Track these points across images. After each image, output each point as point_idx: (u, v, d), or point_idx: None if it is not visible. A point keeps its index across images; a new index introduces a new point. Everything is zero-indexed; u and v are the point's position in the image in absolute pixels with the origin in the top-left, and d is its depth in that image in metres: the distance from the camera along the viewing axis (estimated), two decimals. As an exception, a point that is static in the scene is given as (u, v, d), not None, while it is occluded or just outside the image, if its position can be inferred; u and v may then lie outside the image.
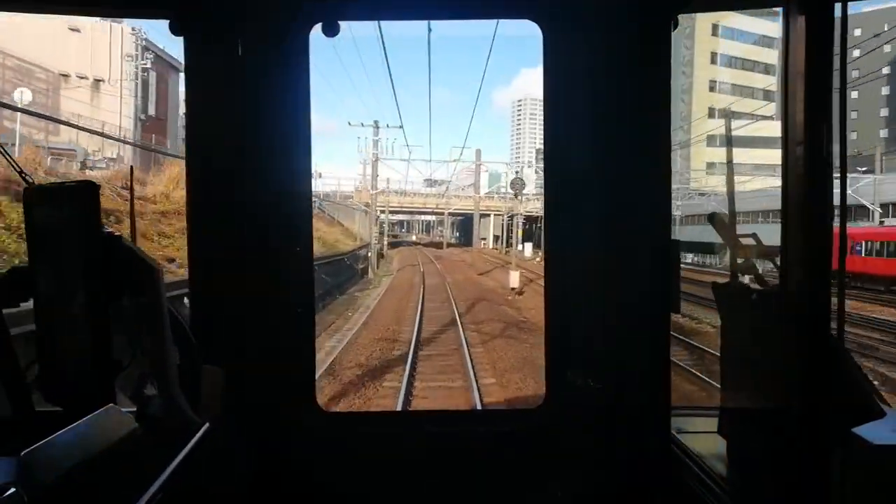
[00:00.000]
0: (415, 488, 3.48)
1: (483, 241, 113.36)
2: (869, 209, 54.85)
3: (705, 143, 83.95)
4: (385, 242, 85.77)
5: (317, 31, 3.42)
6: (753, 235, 2.89)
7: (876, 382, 15.63)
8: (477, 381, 17.04)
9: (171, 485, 2.20)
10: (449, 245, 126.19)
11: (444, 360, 20.19)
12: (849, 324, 19.18)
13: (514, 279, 39.17)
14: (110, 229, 2.28)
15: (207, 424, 2.59)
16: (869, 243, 41.89)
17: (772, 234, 2.59)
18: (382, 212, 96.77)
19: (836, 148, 2.23)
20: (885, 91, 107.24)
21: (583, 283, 3.48)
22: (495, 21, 3.94)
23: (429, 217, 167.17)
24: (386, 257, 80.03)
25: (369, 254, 58.07)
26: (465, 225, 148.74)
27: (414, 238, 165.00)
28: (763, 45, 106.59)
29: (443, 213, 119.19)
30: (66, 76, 63.09)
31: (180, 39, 3.29)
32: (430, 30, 26.23)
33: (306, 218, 3.55)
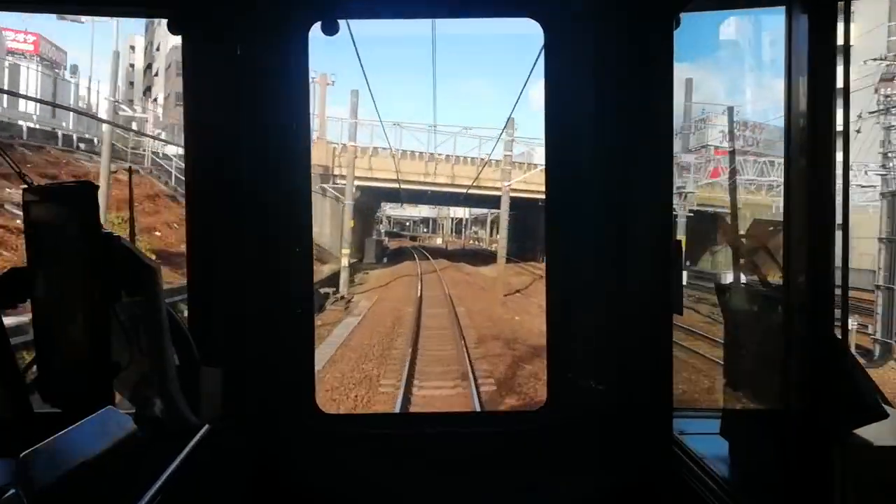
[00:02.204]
0: (415, 490, 3.47)
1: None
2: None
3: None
4: (344, 264, 36.55)
5: (315, 30, 3.43)
6: (754, 237, 2.86)
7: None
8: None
9: (171, 487, 2.21)
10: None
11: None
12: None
13: None
14: (109, 230, 2.31)
15: (207, 426, 2.60)
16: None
17: None
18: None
19: (839, 147, 2.20)
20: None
21: (584, 284, 3.47)
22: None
23: (460, 212, 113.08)
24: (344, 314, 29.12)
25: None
26: (523, 223, 62.98)
27: (439, 241, 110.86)
28: None
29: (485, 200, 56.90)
30: None
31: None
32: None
33: (305, 218, 3.55)
